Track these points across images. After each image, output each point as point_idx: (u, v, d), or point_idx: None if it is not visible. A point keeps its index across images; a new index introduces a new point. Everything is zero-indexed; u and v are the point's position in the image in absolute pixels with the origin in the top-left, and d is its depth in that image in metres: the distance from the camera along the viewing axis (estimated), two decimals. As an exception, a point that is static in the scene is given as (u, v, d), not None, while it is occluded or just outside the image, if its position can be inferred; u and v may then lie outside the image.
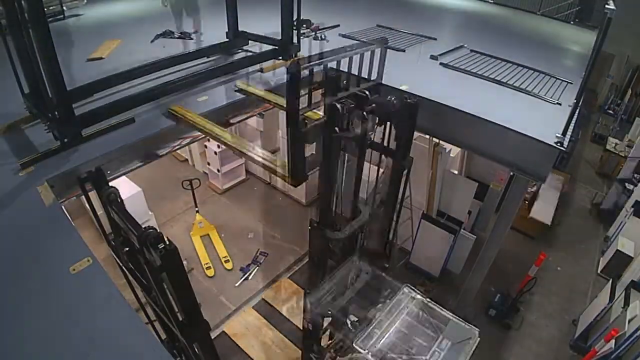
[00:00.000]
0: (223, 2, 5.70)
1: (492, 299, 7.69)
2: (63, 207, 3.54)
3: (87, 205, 3.72)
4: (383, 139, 5.46)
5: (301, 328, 5.00)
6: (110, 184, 3.49)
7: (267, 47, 5.64)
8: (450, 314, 4.65)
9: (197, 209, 9.06)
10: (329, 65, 3.72)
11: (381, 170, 5.23)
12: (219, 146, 9.60)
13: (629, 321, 6.22)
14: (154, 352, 2.57)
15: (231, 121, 5.01)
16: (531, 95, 5.48)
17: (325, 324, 5.16)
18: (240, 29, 5.91)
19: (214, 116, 4.73)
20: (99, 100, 4.42)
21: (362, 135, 4.01)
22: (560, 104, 5.33)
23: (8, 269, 2.88)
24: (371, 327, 4.45)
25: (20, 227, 3.25)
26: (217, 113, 4.77)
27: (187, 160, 11.31)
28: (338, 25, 7.30)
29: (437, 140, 7.48)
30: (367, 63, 4.08)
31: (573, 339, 7.33)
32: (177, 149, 4.62)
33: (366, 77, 4.19)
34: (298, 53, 5.63)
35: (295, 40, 5.48)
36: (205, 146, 10.16)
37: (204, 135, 4.46)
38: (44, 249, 3.08)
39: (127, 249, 3.47)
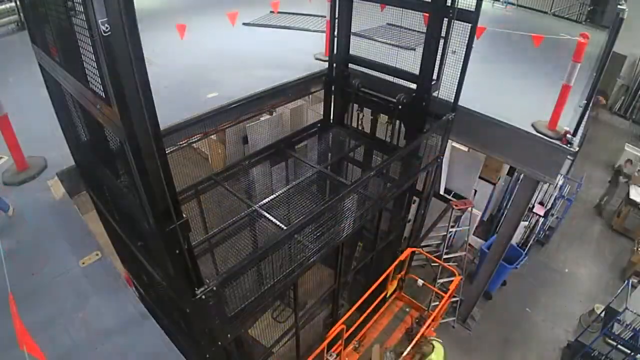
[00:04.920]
0: None
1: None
2: (73, 201, 3.59)
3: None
4: (392, 136, 5.49)
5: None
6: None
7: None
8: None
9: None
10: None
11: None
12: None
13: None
14: (160, 343, 2.60)
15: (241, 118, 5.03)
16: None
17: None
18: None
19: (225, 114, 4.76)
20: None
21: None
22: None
23: (21, 265, 2.92)
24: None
25: (32, 222, 3.29)
26: (227, 110, 4.79)
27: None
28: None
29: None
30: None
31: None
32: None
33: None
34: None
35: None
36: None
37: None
38: (54, 243, 3.13)
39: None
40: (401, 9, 4.97)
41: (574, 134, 4.48)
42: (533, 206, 8.06)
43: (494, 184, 8.44)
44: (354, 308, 5.14)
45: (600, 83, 4.65)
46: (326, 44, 5.74)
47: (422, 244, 7.34)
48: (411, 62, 4.96)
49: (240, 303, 3.19)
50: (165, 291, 2.94)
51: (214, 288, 2.59)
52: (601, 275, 8.85)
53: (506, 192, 8.87)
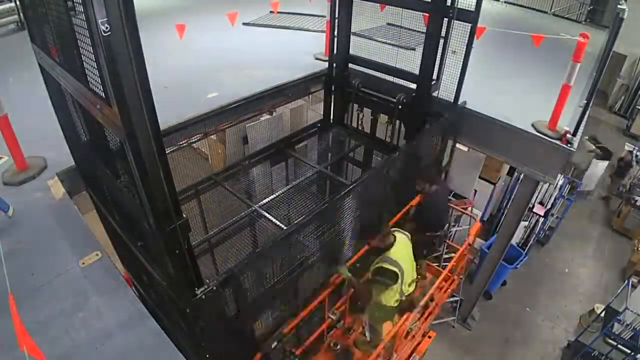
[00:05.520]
0: None
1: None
2: (73, 201, 3.58)
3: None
4: (392, 136, 5.49)
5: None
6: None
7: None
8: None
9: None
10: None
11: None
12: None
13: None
14: (160, 343, 2.60)
15: (241, 118, 5.02)
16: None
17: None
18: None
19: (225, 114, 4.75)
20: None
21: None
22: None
23: (21, 265, 2.92)
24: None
25: (32, 221, 3.29)
26: (227, 110, 4.78)
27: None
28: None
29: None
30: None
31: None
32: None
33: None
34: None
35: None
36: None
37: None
38: (54, 243, 3.13)
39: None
40: (401, 9, 4.99)
41: (574, 134, 4.48)
42: (533, 206, 8.06)
43: (494, 184, 8.42)
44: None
45: (600, 83, 4.65)
46: (326, 44, 5.74)
47: (422, 244, 7.33)
48: (411, 62, 4.97)
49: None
50: (165, 291, 2.94)
51: (214, 288, 2.59)
52: (601, 275, 8.85)
53: (506, 192, 8.86)
